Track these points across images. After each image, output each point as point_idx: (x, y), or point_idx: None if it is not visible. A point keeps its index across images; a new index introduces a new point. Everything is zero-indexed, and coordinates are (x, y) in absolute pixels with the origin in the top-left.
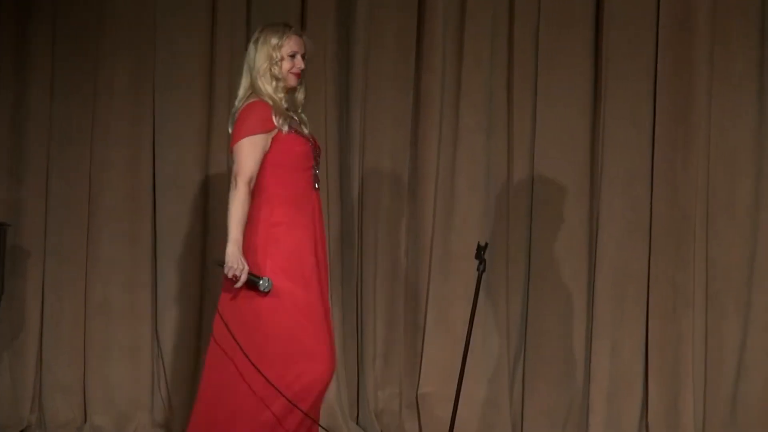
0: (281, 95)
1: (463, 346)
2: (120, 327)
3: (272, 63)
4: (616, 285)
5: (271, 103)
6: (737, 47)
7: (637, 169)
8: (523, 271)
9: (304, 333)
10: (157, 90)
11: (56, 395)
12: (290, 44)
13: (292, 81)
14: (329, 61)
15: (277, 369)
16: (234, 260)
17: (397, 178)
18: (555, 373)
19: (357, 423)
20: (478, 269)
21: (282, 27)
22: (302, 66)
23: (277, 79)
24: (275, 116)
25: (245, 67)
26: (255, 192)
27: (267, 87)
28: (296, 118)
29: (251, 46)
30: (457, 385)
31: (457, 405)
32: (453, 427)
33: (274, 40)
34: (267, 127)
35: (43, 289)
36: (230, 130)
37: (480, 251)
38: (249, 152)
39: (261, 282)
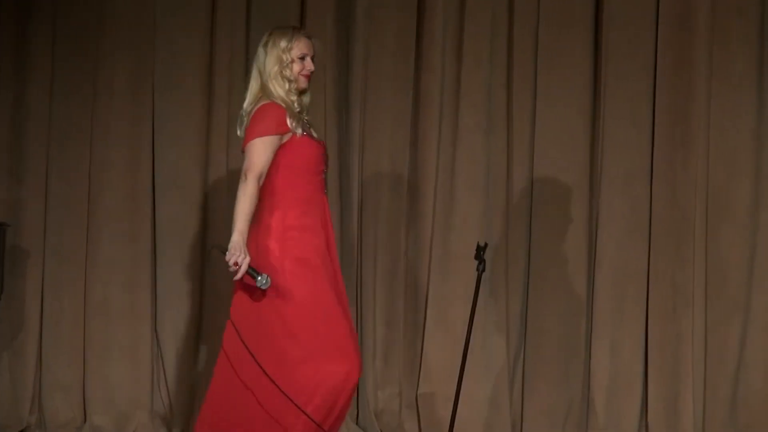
0: (293, 98)
1: (463, 346)
2: (120, 327)
3: (283, 66)
4: (616, 285)
5: (284, 105)
6: (737, 47)
7: (636, 169)
8: (523, 271)
9: (330, 334)
10: (157, 90)
11: (56, 395)
12: (300, 46)
13: (303, 83)
14: (329, 61)
15: (305, 371)
16: (237, 248)
17: (396, 178)
18: (555, 373)
19: (357, 423)
20: (477, 269)
21: (290, 29)
22: (312, 68)
23: (290, 81)
24: (289, 119)
25: (254, 71)
26: (266, 195)
27: (279, 90)
28: (307, 120)
29: (260, 50)
30: (457, 385)
31: (457, 405)
32: (453, 427)
33: (283, 43)
34: (281, 129)
35: (42, 289)
36: (239, 132)
37: (480, 251)
38: (261, 151)
39: (259, 278)
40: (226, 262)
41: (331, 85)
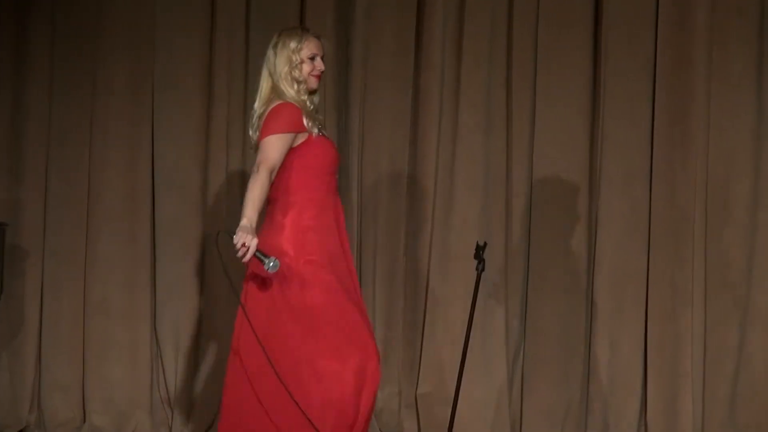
0: (304, 98)
1: (462, 345)
2: (119, 326)
3: (293, 66)
4: (615, 284)
5: (299, 106)
6: (736, 47)
7: (636, 169)
8: (522, 271)
9: (346, 334)
10: (156, 90)
11: (55, 395)
12: (309, 47)
13: (313, 83)
14: (328, 61)
15: (333, 364)
16: (245, 231)
17: (396, 178)
18: (554, 373)
19: None
20: (477, 269)
21: (300, 30)
22: (322, 67)
23: (299, 82)
24: (306, 119)
25: (265, 72)
26: (280, 194)
27: (290, 90)
28: (322, 120)
29: (270, 51)
30: (456, 384)
31: (456, 404)
32: (452, 427)
33: (293, 44)
34: (296, 128)
35: (42, 288)
36: (250, 132)
37: (479, 251)
38: (276, 147)
39: (267, 261)
40: (234, 246)
41: (330, 84)
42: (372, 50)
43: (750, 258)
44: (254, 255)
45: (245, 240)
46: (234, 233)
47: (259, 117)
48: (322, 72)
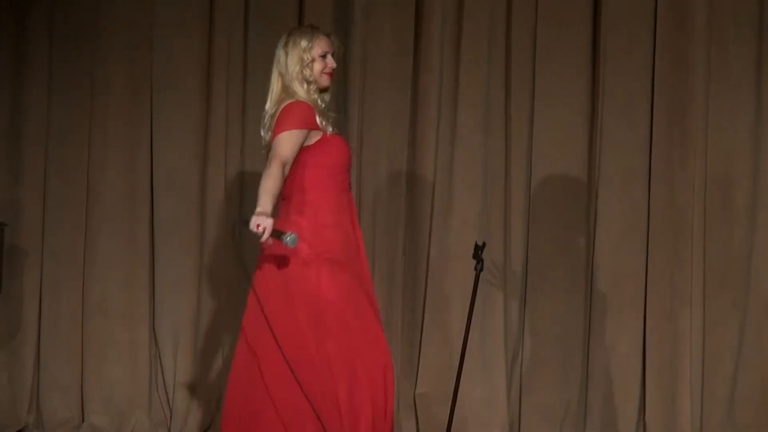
0: (316, 96)
1: (461, 345)
2: (118, 326)
3: (304, 65)
4: (614, 284)
5: (311, 104)
6: (734, 47)
7: (634, 169)
8: (521, 271)
9: (362, 332)
10: (155, 90)
11: (54, 395)
12: (320, 45)
13: (325, 81)
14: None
15: (346, 361)
16: (260, 216)
17: (394, 178)
18: (553, 373)
19: None
20: (475, 269)
21: (310, 29)
22: (334, 65)
23: (309, 82)
24: (319, 117)
25: (275, 73)
26: (294, 193)
27: (302, 89)
28: (336, 118)
29: (280, 51)
30: (455, 384)
31: (455, 405)
32: (450, 427)
33: (303, 43)
34: (309, 125)
35: (40, 288)
36: (262, 133)
37: (478, 251)
38: (289, 143)
39: (285, 236)
40: (251, 231)
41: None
42: (371, 51)
43: (749, 258)
44: (272, 235)
45: (260, 222)
46: (248, 220)
47: (272, 117)
48: (334, 69)
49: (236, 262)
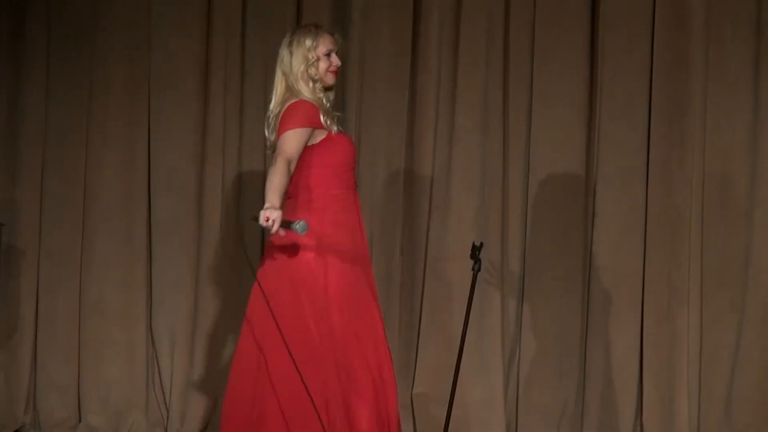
0: (321, 95)
1: (458, 345)
2: (115, 326)
3: (309, 64)
4: (611, 284)
5: (315, 104)
6: (732, 47)
7: (632, 169)
8: (519, 271)
9: (367, 331)
10: (153, 90)
11: (51, 395)
12: (325, 43)
13: (331, 79)
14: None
15: (348, 360)
16: (269, 209)
17: (392, 178)
18: (550, 373)
19: None
20: (473, 269)
21: (313, 27)
22: (339, 63)
23: (314, 81)
24: (323, 116)
25: (278, 73)
26: (300, 192)
27: (306, 89)
28: (340, 116)
29: (284, 51)
30: (452, 384)
31: (452, 405)
32: (448, 427)
33: (308, 42)
34: (313, 124)
35: (37, 288)
36: (267, 134)
37: (475, 251)
38: (293, 141)
39: (294, 225)
40: (262, 226)
41: None
42: (368, 51)
43: (746, 257)
44: (282, 226)
45: (269, 214)
46: (257, 216)
47: (276, 116)
48: (339, 67)
49: (234, 261)
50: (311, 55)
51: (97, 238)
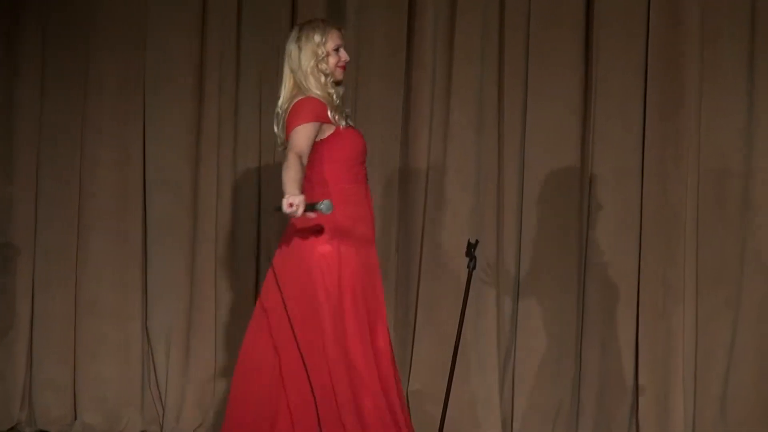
0: (331, 90)
1: (454, 343)
2: (110, 325)
3: (318, 60)
4: (607, 282)
5: (323, 100)
6: (727, 46)
7: (627, 167)
8: (514, 269)
9: (382, 321)
10: (148, 89)
11: (46, 393)
12: (333, 38)
13: (339, 74)
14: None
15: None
16: (290, 196)
17: (387, 175)
18: (545, 371)
19: None
20: (468, 266)
21: (321, 23)
22: (347, 58)
23: (326, 75)
24: (330, 112)
25: (286, 69)
26: (311, 188)
27: (316, 84)
28: (348, 112)
29: (293, 47)
30: (448, 383)
31: (448, 403)
32: (443, 425)
33: (317, 38)
34: (320, 118)
35: (33, 286)
36: (276, 129)
37: (470, 248)
38: (303, 136)
39: (318, 205)
40: (286, 214)
41: None
42: (363, 48)
43: (741, 255)
44: (306, 209)
45: (291, 200)
46: (280, 206)
47: (284, 112)
48: (347, 62)
49: (230, 260)
50: (321, 51)
51: (92, 237)
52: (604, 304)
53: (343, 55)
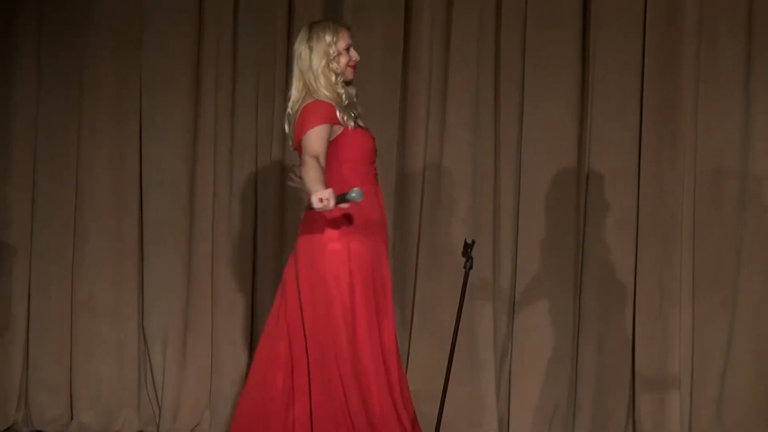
0: (341, 90)
1: (450, 344)
2: (106, 325)
3: (330, 59)
4: (603, 283)
5: (332, 102)
6: (724, 47)
7: (624, 168)
8: (510, 269)
9: (390, 320)
10: (144, 88)
11: (43, 393)
12: (344, 38)
13: (350, 74)
14: None
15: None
16: (318, 192)
17: (383, 176)
18: (542, 372)
19: None
20: (465, 267)
21: (331, 23)
22: (358, 58)
23: (337, 75)
24: (339, 113)
25: (296, 70)
26: (333, 185)
27: (326, 84)
28: (358, 112)
29: (303, 48)
30: (444, 383)
31: (444, 403)
32: (439, 425)
33: (328, 38)
34: (331, 120)
35: (29, 286)
36: (287, 130)
37: (467, 249)
38: (317, 139)
39: (348, 195)
40: (318, 209)
41: None
42: (360, 50)
43: (738, 257)
44: (336, 202)
45: (321, 195)
46: (311, 206)
47: (295, 113)
48: (358, 62)
49: (226, 260)
50: (332, 50)
51: (89, 237)
52: (600, 304)
53: (354, 54)
